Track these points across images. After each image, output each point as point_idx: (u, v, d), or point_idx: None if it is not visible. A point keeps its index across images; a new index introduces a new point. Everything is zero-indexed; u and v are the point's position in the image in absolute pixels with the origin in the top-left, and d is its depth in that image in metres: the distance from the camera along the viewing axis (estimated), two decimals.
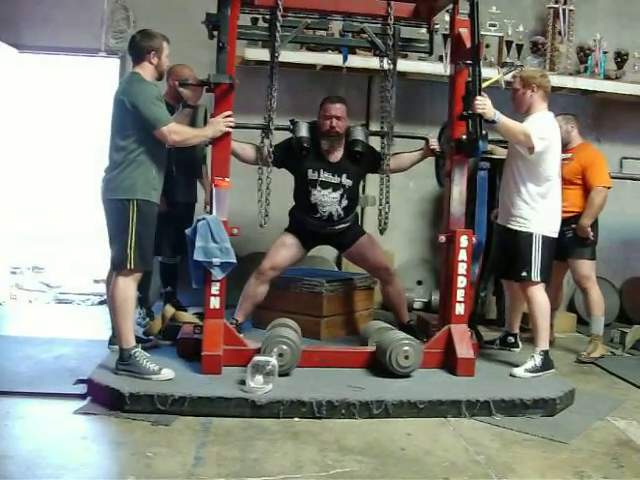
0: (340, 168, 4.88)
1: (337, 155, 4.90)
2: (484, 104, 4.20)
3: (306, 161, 4.86)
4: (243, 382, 3.84)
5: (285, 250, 4.93)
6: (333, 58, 6.01)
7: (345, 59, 5.32)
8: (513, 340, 5.05)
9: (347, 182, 4.89)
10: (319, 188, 4.85)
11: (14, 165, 6.67)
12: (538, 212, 4.49)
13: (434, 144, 4.86)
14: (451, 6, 4.61)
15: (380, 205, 4.82)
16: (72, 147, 11.35)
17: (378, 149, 4.90)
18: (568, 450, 3.52)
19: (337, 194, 4.87)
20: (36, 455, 3.15)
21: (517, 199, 4.52)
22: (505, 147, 4.86)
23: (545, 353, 4.48)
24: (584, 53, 6.57)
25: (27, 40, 6.25)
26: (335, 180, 4.87)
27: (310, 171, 4.86)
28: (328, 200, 4.86)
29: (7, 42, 6.02)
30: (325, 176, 4.86)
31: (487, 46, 6.28)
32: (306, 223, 4.97)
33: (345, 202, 4.90)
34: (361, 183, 5.19)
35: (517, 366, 4.44)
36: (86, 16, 6.30)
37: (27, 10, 6.28)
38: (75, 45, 6.44)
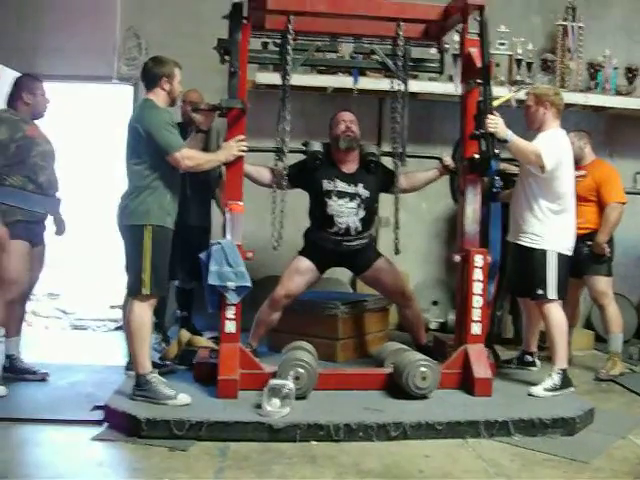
0: (356, 178, 4.90)
1: (352, 167, 4.93)
2: (496, 123, 4.21)
3: (321, 173, 4.88)
4: (260, 406, 3.82)
5: (299, 277, 4.91)
6: (344, 80, 6.04)
7: (356, 81, 5.34)
8: (531, 359, 5.02)
9: (364, 192, 4.88)
10: (335, 198, 4.85)
11: None
12: (551, 229, 4.47)
13: (448, 161, 4.88)
14: (460, 26, 4.62)
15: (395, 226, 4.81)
16: (87, 173, 11.42)
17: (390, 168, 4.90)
18: (589, 470, 3.48)
19: (354, 204, 4.86)
20: None
21: (529, 216, 4.51)
22: (517, 165, 4.85)
23: (563, 371, 4.45)
24: (594, 69, 6.57)
25: (41, 69, 6.30)
26: (351, 190, 4.87)
27: (325, 182, 4.87)
28: (345, 210, 4.84)
29: (21, 71, 6.06)
30: (341, 186, 4.86)
31: (497, 65, 6.28)
32: (322, 241, 4.94)
33: (362, 213, 4.88)
34: (377, 200, 5.18)
35: (535, 385, 4.40)
36: (98, 44, 6.38)
37: (41, 39, 6.36)
38: (88, 73, 6.51)
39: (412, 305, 5.11)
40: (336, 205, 4.85)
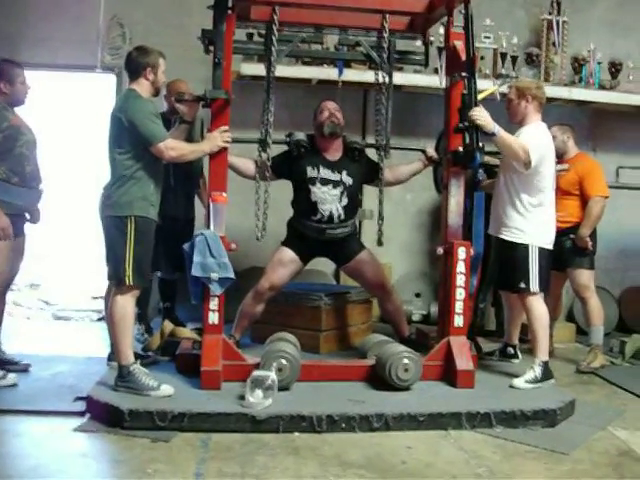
0: (340, 165, 4.91)
1: (336, 155, 4.94)
2: (480, 115, 4.21)
3: (305, 160, 4.89)
4: (242, 397, 3.82)
5: (282, 268, 4.91)
6: (328, 72, 6.04)
7: (340, 73, 5.34)
8: (513, 351, 5.05)
9: (347, 180, 4.89)
10: (319, 185, 4.85)
11: None
12: (532, 223, 4.49)
13: (431, 152, 4.90)
14: (446, 19, 4.63)
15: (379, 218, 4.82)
16: (69, 163, 11.35)
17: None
18: (570, 461, 3.50)
19: (337, 191, 4.86)
20: (35, 473, 3.13)
21: (511, 210, 4.52)
22: (499, 158, 4.86)
23: (545, 364, 4.48)
24: (578, 64, 6.61)
25: (25, 57, 6.23)
26: (335, 177, 4.87)
27: (309, 169, 4.87)
28: (328, 198, 4.85)
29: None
30: (325, 173, 4.86)
31: (482, 58, 6.30)
32: (305, 229, 4.94)
33: (345, 200, 4.88)
34: (361, 189, 5.18)
35: (517, 377, 4.43)
36: (82, 33, 6.33)
37: (25, 28, 6.30)
38: (72, 62, 6.46)
39: (392, 299, 5.11)
40: (319, 192, 4.85)
